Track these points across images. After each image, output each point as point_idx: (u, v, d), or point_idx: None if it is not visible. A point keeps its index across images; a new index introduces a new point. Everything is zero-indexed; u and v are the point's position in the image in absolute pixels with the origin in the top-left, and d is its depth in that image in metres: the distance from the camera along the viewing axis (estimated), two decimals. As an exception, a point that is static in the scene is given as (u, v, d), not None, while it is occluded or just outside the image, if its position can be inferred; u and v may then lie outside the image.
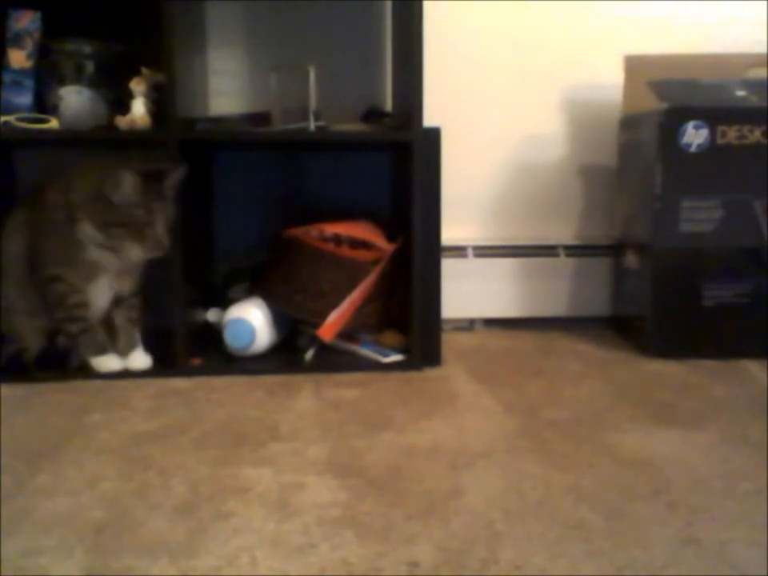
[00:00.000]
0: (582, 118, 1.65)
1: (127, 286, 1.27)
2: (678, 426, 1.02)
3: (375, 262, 1.32)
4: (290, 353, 1.32)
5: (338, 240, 1.33)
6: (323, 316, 1.27)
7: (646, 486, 0.83)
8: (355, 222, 1.37)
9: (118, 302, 1.27)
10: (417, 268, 1.27)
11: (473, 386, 1.19)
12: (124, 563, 0.68)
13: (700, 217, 1.33)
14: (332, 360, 1.30)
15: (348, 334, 1.33)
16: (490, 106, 1.62)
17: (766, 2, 1.61)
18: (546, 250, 1.61)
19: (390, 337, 1.36)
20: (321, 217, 1.38)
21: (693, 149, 1.32)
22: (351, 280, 1.30)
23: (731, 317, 1.35)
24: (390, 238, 1.36)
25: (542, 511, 0.77)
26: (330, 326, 1.28)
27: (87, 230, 1.18)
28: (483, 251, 1.60)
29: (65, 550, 0.70)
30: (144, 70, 1.29)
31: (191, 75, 1.38)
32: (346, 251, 1.32)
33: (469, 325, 1.62)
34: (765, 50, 1.48)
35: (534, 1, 1.60)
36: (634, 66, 1.48)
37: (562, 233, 1.68)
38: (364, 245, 1.33)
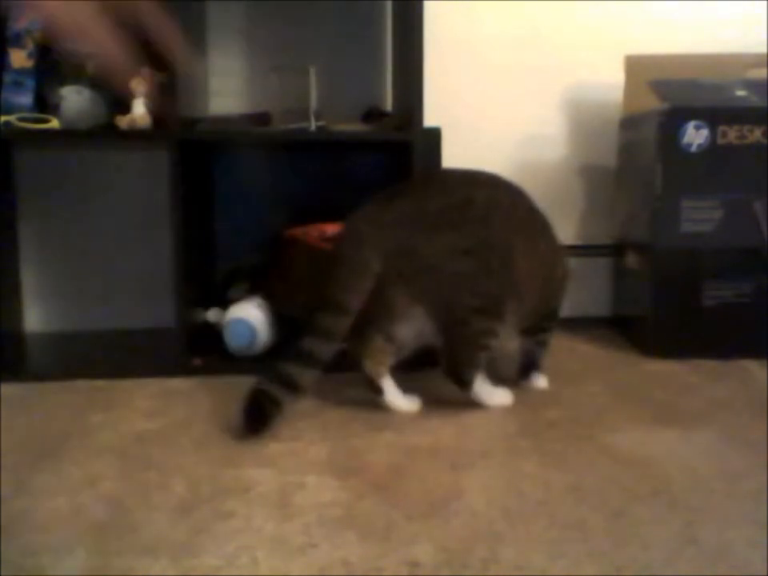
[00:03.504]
0: (582, 117, 1.65)
1: None
2: (678, 426, 1.02)
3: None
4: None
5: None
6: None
7: (646, 485, 0.83)
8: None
9: None
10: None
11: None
12: (124, 563, 0.68)
13: (700, 217, 1.33)
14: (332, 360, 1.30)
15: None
16: (490, 105, 1.62)
17: (766, 1, 1.61)
18: (546, 250, 1.61)
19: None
20: (321, 217, 1.38)
21: (693, 149, 1.32)
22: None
23: (731, 317, 1.35)
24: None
25: (542, 511, 0.77)
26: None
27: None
28: (483, 251, 1.60)
29: (65, 550, 0.70)
30: (144, 70, 1.29)
31: (191, 75, 1.38)
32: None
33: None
34: (765, 50, 1.49)
35: (534, 1, 1.60)
36: (635, 65, 1.48)
37: (562, 233, 1.66)
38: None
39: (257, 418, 0.97)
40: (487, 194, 1.08)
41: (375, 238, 1.02)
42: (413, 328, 1.06)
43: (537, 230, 1.14)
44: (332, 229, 1.33)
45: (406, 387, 1.10)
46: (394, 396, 1.08)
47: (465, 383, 1.06)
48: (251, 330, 1.29)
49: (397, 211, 1.04)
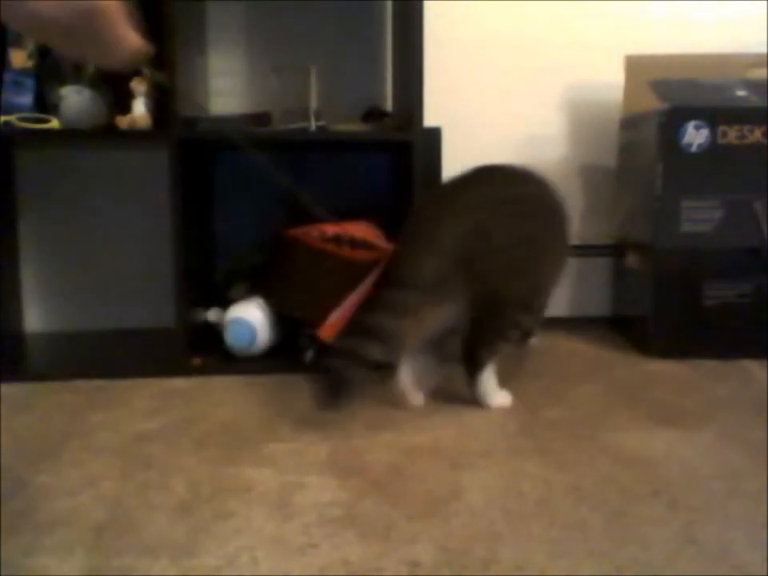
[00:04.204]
0: (582, 117, 1.65)
1: None
2: (678, 426, 1.02)
3: (376, 263, 1.32)
4: (289, 353, 1.32)
5: (338, 240, 1.32)
6: (323, 316, 1.27)
7: (646, 485, 0.83)
8: (355, 223, 1.37)
9: None
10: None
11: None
12: (124, 563, 0.68)
13: (700, 217, 1.33)
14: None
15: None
16: (491, 105, 1.62)
17: (766, 1, 1.61)
18: (546, 250, 1.61)
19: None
20: (321, 217, 1.38)
21: (693, 149, 1.32)
22: (352, 280, 1.30)
23: (732, 317, 1.35)
24: (391, 238, 1.36)
25: (542, 511, 0.77)
26: (330, 327, 1.28)
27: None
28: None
29: (65, 550, 0.70)
30: (145, 70, 1.29)
31: (191, 75, 1.38)
32: (346, 252, 1.32)
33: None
34: (765, 50, 1.49)
35: (535, 1, 1.60)
36: (635, 65, 1.48)
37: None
38: (365, 245, 1.32)
39: (336, 390, 0.99)
40: (538, 189, 1.15)
41: (454, 219, 1.05)
42: (450, 310, 1.08)
43: (563, 223, 1.18)
44: (332, 229, 1.33)
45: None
46: (405, 379, 1.09)
47: (478, 366, 1.08)
48: (251, 330, 1.29)
49: (472, 196, 1.08)
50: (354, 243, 1.32)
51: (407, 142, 1.26)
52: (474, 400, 1.10)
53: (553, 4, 1.61)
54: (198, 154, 1.39)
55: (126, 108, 1.27)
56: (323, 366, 1.00)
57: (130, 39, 0.71)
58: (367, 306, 1.03)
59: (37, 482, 0.85)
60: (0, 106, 1.27)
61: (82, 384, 1.21)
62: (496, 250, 1.05)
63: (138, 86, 1.27)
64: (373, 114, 1.44)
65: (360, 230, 1.35)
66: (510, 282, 1.06)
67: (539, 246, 1.09)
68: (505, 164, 1.17)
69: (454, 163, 1.52)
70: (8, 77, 1.29)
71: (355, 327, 1.02)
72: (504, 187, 1.12)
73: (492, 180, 1.13)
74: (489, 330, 1.08)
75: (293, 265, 1.34)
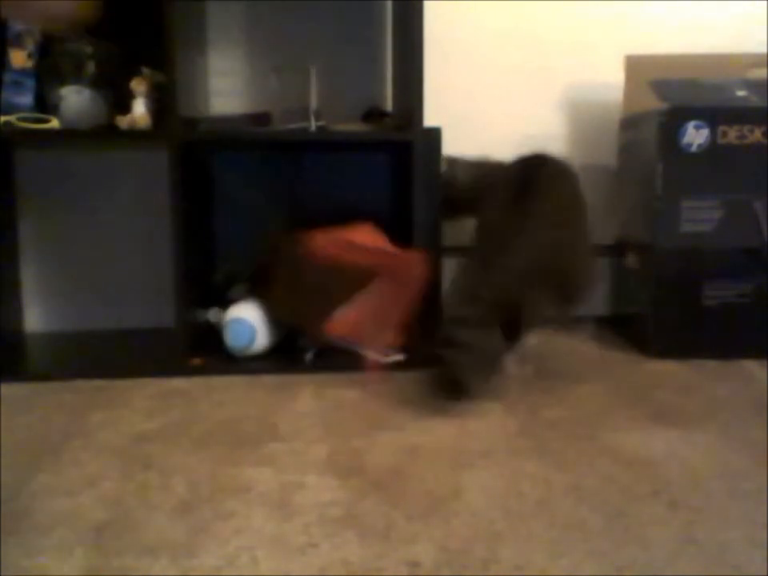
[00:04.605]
0: (582, 117, 1.65)
1: None
2: (678, 425, 1.02)
3: (378, 267, 1.31)
4: (289, 353, 1.32)
5: (340, 245, 1.32)
6: (321, 322, 1.27)
7: (646, 485, 0.83)
8: (357, 226, 1.37)
9: None
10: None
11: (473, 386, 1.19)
12: (124, 563, 0.68)
13: (700, 217, 1.33)
14: (332, 360, 1.30)
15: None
16: (491, 105, 1.62)
17: (765, 1, 1.61)
18: (546, 250, 1.61)
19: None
20: (321, 217, 1.38)
21: (693, 149, 1.32)
22: (353, 285, 1.30)
23: (731, 317, 1.35)
24: (391, 239, 1.35)
25: (542, 511, 0.77)
26: (339, 323, 1.27)
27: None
28: (483, 251, 1.60)
29: (65, 550, 0.70)
30: (145, 70, 1.29)
31: (191, 75, 1.38)
32: (347, 256, 1.32)
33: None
34: (765, 50, 1.49)
35: (535, 0, 1.60)
36: (635, 65, 1.48)
37: (562, 233, 1.67)
38: (366, 249, 1.32)
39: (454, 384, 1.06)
40: (576, 185, 1.18)
41: (519, 240, 1.10)
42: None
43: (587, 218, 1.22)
44: (336, 234, 1.33)
45: (405, 387, 1.10)
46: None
47: (515, 340, 1.14)
48: (251, 330, 1.29)
49: (532, 211, 1.12)
50: (355, 247, 1.32)
51: (407, 142, 1.26)
52: (473, 400, 1.10)
53: (553, 4, 1.61)
54: (198, 154, 1.39)
55: (125, 108, 1.28)
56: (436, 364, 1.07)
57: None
58: (450, 320, 1.08)
59: (37, 481, 0.85)
60: (0, 105, 1.27)
61: (82, 384, 1.21)
62: (562, 256, 1.11)
63: (138, 86, 1.27)
64: (373, 114, 1.44)
65: (362, 234, 1.35)
66: (557, 288, 1.12)
67: (586, 243, 1.15)
68: (545, 157, 1.21)
69: (454, 163, 1.52)
70: (8, 77, 1.29)
71: (446, 342, 1.07)
72: (557, 192, 1.16)
73: (547, 187, 1.16)
74: (533, 317, 1.14)
75: (294, 271, 1.33)
